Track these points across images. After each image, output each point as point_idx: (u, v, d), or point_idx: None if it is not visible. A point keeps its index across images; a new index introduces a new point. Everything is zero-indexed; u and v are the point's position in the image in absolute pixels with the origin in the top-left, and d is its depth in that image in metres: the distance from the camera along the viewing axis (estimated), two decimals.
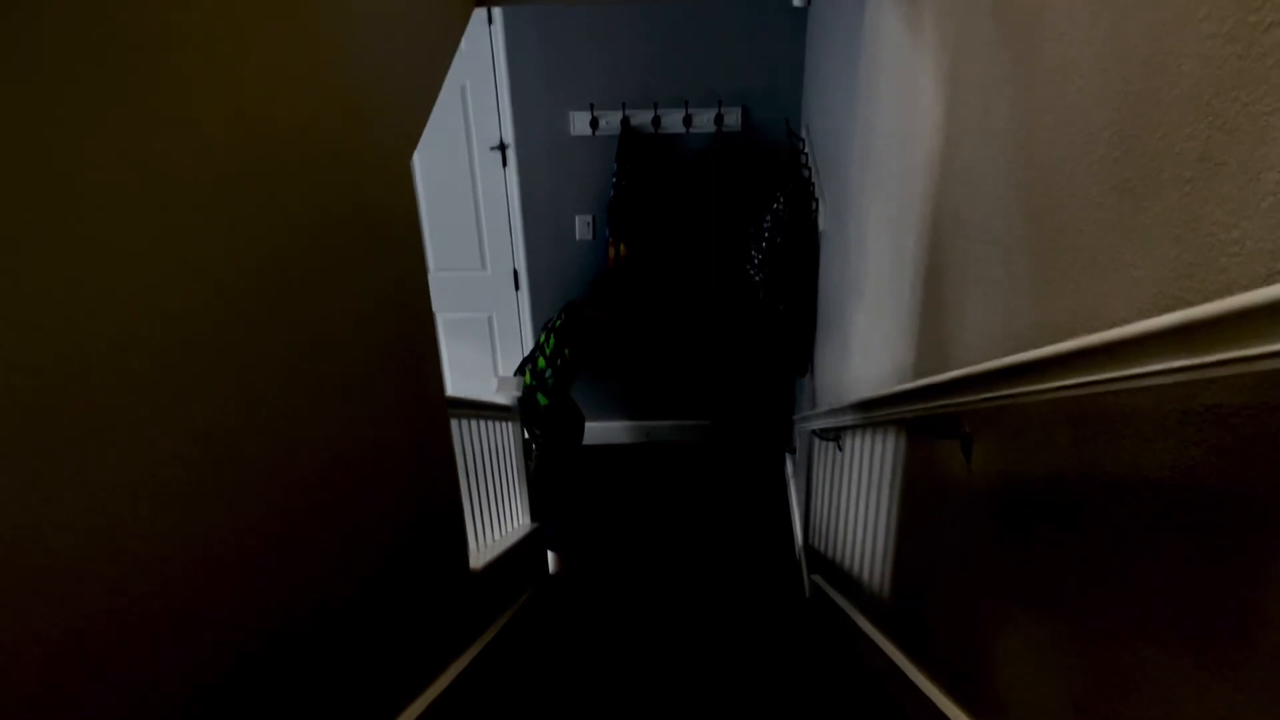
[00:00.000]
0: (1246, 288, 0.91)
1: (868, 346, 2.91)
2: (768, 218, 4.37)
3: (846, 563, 3.22)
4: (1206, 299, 0.95)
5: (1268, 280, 0.88)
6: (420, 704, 2.31)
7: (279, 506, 1.63)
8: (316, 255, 1.72)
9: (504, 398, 3.82)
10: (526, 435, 4.79)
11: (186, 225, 1.31)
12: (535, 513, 4.36)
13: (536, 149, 4.98)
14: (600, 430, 5.70)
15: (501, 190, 5.12)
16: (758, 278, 4.48)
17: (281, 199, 1.57)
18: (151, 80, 1.21)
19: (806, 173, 4.32)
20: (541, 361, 4.88)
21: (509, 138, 4.96)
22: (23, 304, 1.01)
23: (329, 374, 1.79)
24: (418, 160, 4.96)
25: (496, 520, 3.60)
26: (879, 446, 2.66)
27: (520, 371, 4.96)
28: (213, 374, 1.40)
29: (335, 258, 1.80)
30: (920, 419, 2.10)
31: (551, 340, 4.89)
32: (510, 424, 3.84)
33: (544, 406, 4.91)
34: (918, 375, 2.21)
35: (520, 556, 3.84)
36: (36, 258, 1.03)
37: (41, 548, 1.08)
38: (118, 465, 1.20)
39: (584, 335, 4.93)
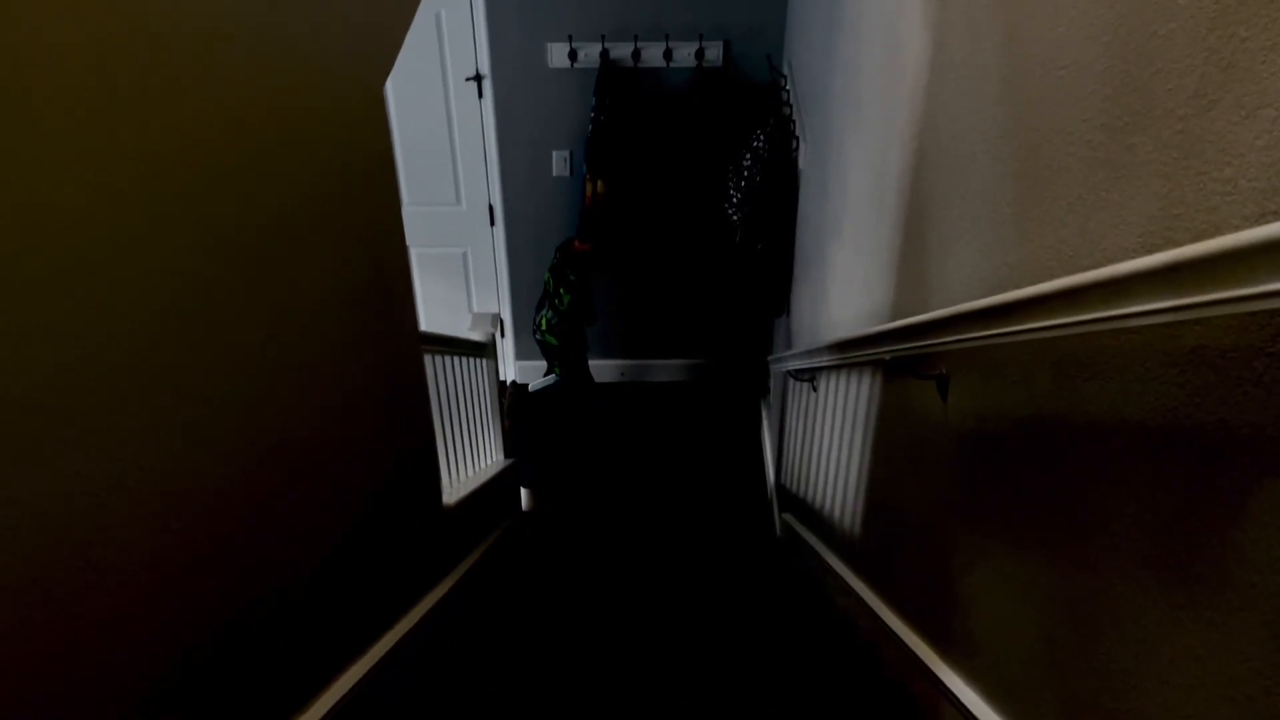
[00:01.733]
0: (1237, 228, 0.90)
1: (846, 287, 2.90)
2: (747, 156, 4.32)
3: (818, 502, 3.24)
4: (1195, 239, 0.93)
5: (1260, 220, 0.86)
6: (393, 636, 2.32)
7: (257, 455, 1.61)
8: (284, 188, 1.67)
9: (478, 334, 3.79)
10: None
11: (156, 171, 1.27)
12: (510, 450, 4.36)
13: (514, 81, 4.88)
14: None
15: (477, 123, 5.02)
16: (736, 217, 4.44)
17: (243, 127, 1.52)
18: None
19: (788, 110, 4.26)
20: (547, 303, 5.08)
21: (485, 69, 4.85)
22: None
23: (302, 310, 1.76)
24: (391, 91, 4.85)
25: (470, 457, 3.59)
26: (854, 387, 2.66)
27: (536, 312, 5.18)
28: (192, 319, 1.37)
29: (304, 191, 1.76)
30: (897, 359, 2.09)
31: (550, 280, 5.07)
32: (485, 360, 3.81)
33: (554, 346, 5.18)
34: (896, 316, 2.20)
35: (494, 493, 3.84)
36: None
37: (27, 494, 1.06)
38: (105, 415, 1.18)
39: (575, 270, 5.02)
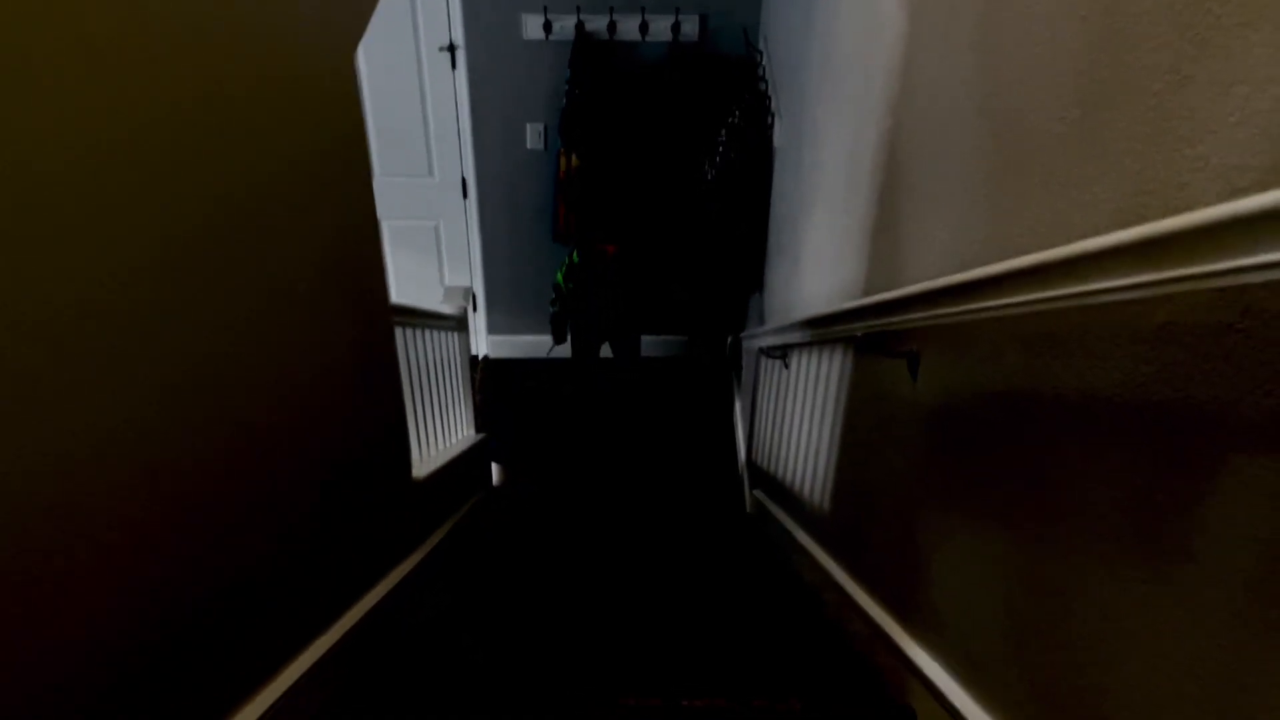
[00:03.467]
0: (1208, 205, 0.90)
1: (818, 264, 2.89)
2: (723, 132, 4.30)
3: (789, 479, 3.25)
4: (1166, 215, 0.93)
5: (1231, 196, 0.87)
6: (361, 607, 2.31)
7: (225, 428, 1.59)
8: (252, 159, 1.64)
9: (450, 307, 3.76)
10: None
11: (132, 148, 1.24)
12: (480, 425, 4.34)
13: (487, 52, 4.82)
14: (546, 344, 5.65)
15: (450, 94, 4.97)
16: (710, 193, 4.43)
17: (207, 96, 1.49)
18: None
19: (764, 86, 4.25)
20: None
21: (459, 39, 4.79)
22: None
23: (272, 281, 1.73)
24: (362, 59, 4.79)
25: (441, 431, 3.57)
26: (825, 364, 2.66)
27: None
28: (159, 289, 1.35)
29: (273, 162, 1.73)
30: (868, 336, 2.10)
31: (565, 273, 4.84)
32: (456, 334, 3.79)
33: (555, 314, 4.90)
34: (868, 292, 2.20)
35: (464, 467, 3.82)
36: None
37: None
38: (72, 383, 1.15)
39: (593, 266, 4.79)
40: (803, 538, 2.90)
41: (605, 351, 5.19)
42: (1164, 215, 0.96)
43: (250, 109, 1.63)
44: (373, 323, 2.34)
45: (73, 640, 1.28)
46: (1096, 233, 1.11)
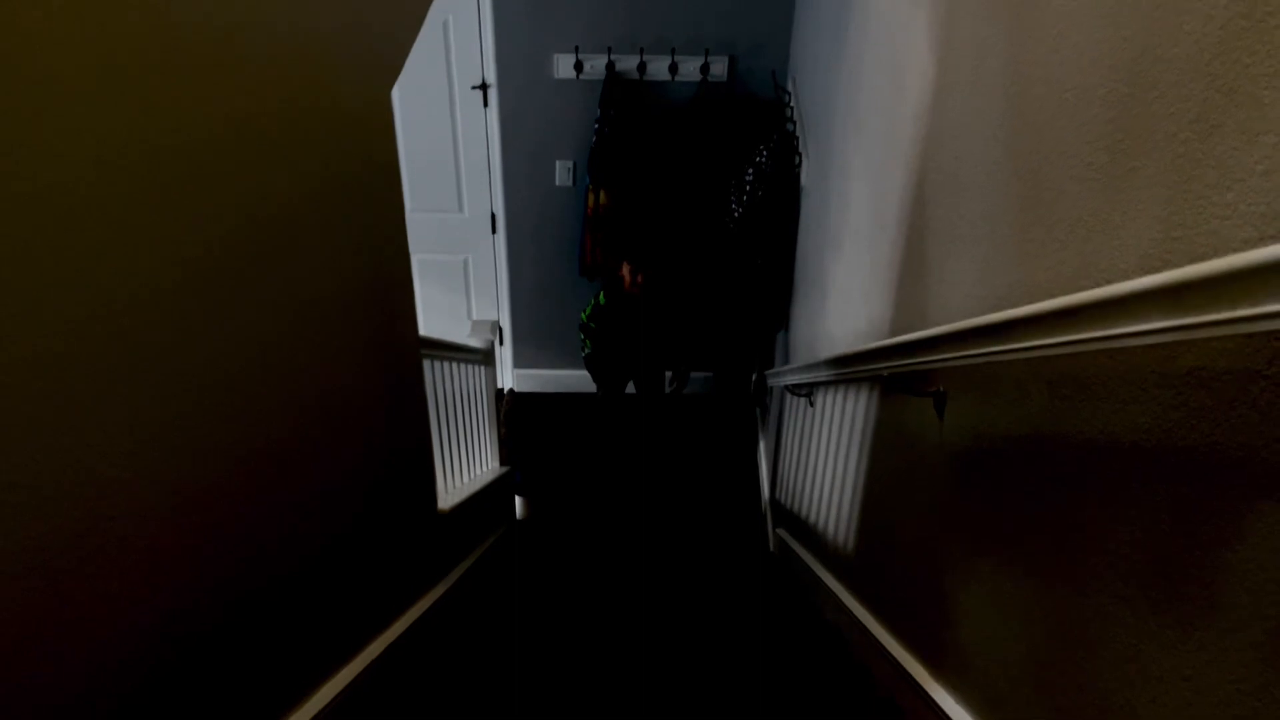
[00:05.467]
0: (1236, 251, 0.91)
1: (845, 303, 2.90)
2: (750, 170, 4.33)
3: (812, 518, 3.24)
4: (1194, 262, 0.94)
5: (1259, 243, 0.87)
6: (387, 637, 2.32)
7: (255, 449, 1.62)
8: (291, 192, 1.68)
9: (477, 341, 3.79)
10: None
11: (168, 179, 1.28)
12: (505, 458, 4.36)
13: (519, 91, 4.89)
14: (572, 379, 5.68)
15: (482, 131, 5.04)
16: (737, 231, 4.46)
17: (248, 124, 1.53)
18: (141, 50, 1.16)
19: (791, 126, 4.28)
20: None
21: (491, 77, 4.87)
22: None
23: (305, 312, 1.76)
24: (397, 96, 4.86)
25: (466, 463, 3.59)
26: (851, 403, 2.66)
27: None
28: (196, 318, 1.38)
29: (311, 195, 1.76)
30: (895, 376, 2.10)
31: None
32: (483, 368, 3.82)
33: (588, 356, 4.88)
34: (894, 332, 2.21)
35: (488, 500, 3.84)
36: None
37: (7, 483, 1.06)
38: (98, 403, 1.18)
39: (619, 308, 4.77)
40: (826, 577, 2.89)
41: (630, 385, 5.20)
42: (1192, 261, 0.97)
43: (289, 139, 1.66)
44: (402, 355, 2.37)
45: (83, 665, 1.29)
46: (1124, 277, 1.12)
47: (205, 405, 1.46)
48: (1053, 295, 1.27)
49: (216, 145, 1.42)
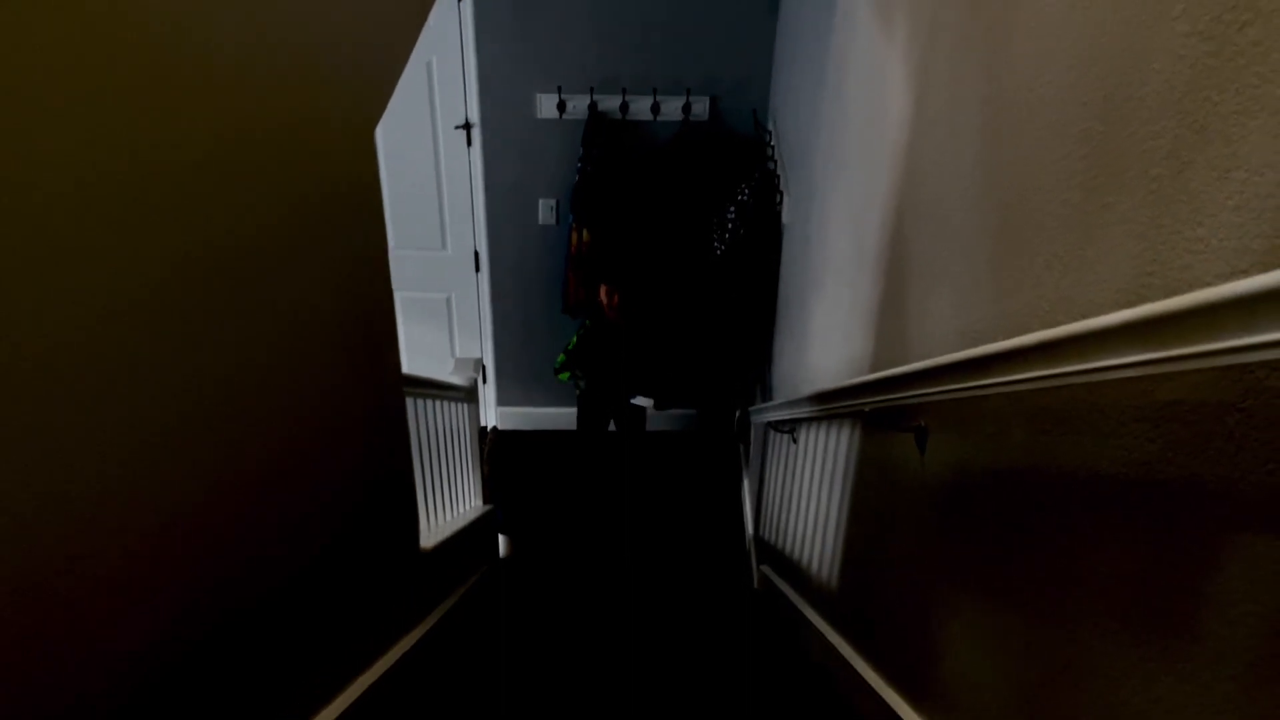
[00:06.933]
0: (1209, 285, 0.92)
1: (826, 339, 2.92)
2: (731, 208, 4.37)
3: (796, 554, 3.23)
4: (1168, 296, 0.95)
5: (1230, 277, 0.89)
6: (368, 678, 2.29)
7: (232, 483, 1.60)
8: (274, 228, 1.68)
9: (460, 378, 3.78)
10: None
11: (152, 206, 1.27)
12: (488, 496, 4.33)
13: (502, 130, 4.92)
14: (555, 416, 5.67)
15: (465, 170, 5.06)
16: (719, 268, 4.48)
17: (240, 169, 1.53)
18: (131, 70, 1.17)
19: (772, 165, 4.32)
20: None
21: (474, 117, 4.90)
22: None
23: (285, 349, 1.76)
24: (381, 136, 4.88)
25: (449, 501, 3.56)
26: (833, 439, 2.67)
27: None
28: (171, 349, 1.37)
29: (294, 232, 1.76)
30: (876, 411, 2.11)
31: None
32: (466, 405, 3.81)
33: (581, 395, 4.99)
34: (875, 368, 2.22)
35: (471, 538, 3.81)
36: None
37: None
38: (77, 442, 1.17)
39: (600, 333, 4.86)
40: (810, 614, 2.88)
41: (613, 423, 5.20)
42: (1166, 295, 0.98)
43: (270, 162, 1.65)
44: (384, 392, 2.36)
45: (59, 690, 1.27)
46: (1100, 312, 1.13)
47: (173, 427, 1.41)
48: (1031, 330, 1.29)
49: (195, 163, 1.41)
